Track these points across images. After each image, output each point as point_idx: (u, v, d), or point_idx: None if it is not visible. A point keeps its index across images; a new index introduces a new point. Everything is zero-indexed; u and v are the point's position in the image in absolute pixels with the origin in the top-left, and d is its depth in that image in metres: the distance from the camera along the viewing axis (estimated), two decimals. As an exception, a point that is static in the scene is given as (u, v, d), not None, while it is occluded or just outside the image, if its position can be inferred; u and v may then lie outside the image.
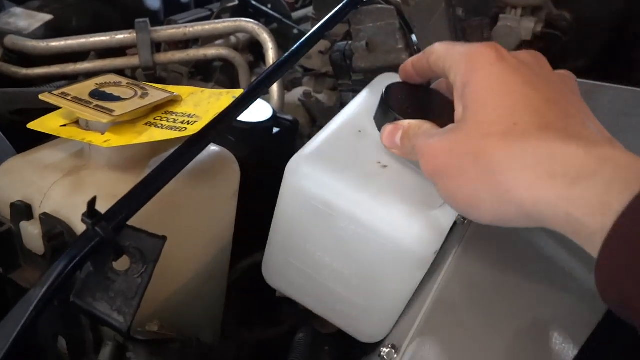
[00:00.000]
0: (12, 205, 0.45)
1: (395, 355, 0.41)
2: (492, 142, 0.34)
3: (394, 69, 0.79)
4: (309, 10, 1.35)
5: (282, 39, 1.07)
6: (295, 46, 0.57)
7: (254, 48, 1.14)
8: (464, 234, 0.53)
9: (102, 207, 0.38)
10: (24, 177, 0.47)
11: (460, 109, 0.39)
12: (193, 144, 0.43)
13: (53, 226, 0.43)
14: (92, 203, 0.35)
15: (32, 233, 0.44)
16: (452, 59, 0.40)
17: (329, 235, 0.49)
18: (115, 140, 0.44)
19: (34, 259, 0.47)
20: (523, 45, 1.08)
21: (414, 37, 0.79)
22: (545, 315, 0.43)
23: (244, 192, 0.59)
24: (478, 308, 0.44)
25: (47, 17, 0.93)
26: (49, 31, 0.90)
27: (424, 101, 0.52)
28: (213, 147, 0.55)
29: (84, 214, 0.36)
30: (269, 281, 0.60)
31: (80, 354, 0.48)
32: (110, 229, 0.37)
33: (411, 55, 0.78)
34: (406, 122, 0.44)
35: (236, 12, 1.13)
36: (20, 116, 0.80)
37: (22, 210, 0.45)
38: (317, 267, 0.52)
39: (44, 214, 0.43)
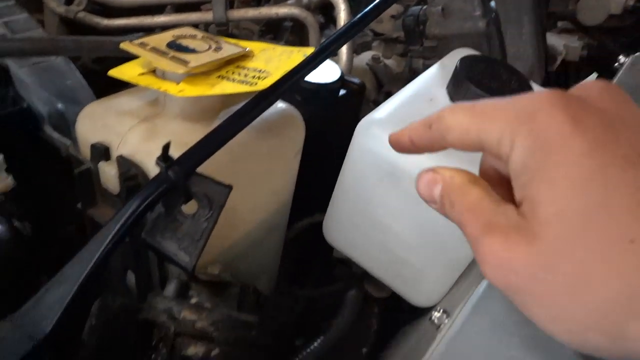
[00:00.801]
0: (92, 146, 0.48)
1: (447, 320, 0.42)
2: (599, 269, 0.24)
3: (470, 37, 0.77)
4: (383, -27, 1.31)
5: (353, 1, 1.06)
6: (369, 8, 0.56)
7: (325, 10, 1.14)
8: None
9: (173, 154, 0.40)
10: (103, 121, 0.50)
11: (528, 204, 0.26)
12: (263, 99, 0.45)
13: (128, 168, 0.45)
14: (166, 148, 0.37)
15: (109, 173, 0.47)
16: (494, 127, 0.27)
17: (394, 197, 0.49)
18: (189, 90, 0.46)
19: (109, 197, 0.50)
20: (611, 19, 1.01)
21: (492, 4, 0.76)
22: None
23: (307, 152, 0.60)
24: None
25: (130, -30, 0.96)
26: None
27: (500, 76, 0.51)
28: (281, 104, 0.56)
29: (158, 158, 0.38)
30: (329, 239, 0.62)
31: (146, 288, 0.51)
32: (182, 174, 0.38)
33: (488, 24, 0.75)
34: (447, 174, 0.32)
35: (310, -28, 1.12)
36: (100, 64, 0.85)
37: (101, 152, 0.48)
38: (379, 228, 0.53)
39: (121, 156, 0.46)
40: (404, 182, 0.47)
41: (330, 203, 0.59)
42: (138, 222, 0.38)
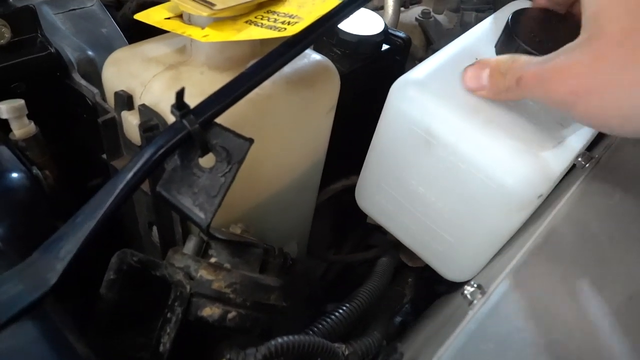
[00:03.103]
0: (116, 94, 0.46)
1: (480, 296, 0.38)
2: None
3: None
4: None
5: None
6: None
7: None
8: (583, 178, 0.46)
9: (196, 103, 0.37)
10: (129, 67, 0.48)
11: (591, 23, 0.33)
12: (291, 46, 0.41)
13: (149, 118, 0.43)
14: (180, 94, 0.34)
15: (131, 123, 0.45)
16: None
17: (427, 165, 0.45)
18: (214, 35, 0.43)
19: (134, 148, 0.48)
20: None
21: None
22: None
23: (344, 109, 0.57)
24: (587, 263, 0.39)
25: None
26: None
27: (556, 30, 0.45)
28: (315, 56, 0.52)
29: (172, 105, 0.35)
30: (361, 205, 0.58)
31: (169, 244, 0.50)
32: (198, 124, 0.36)
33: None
34: (493, 59, 0.40)
35: None
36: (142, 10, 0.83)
37: (124, 100, 0.46)
38: (411, 197, 0.49)
39: (143, 105, 0.44)
40: (439, 149, 0.43)
41: (363, 167, 0.55)
42: (152, 172, 0.36)
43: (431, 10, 0.92)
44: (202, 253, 0.44)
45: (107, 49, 0.62)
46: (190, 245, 0.44)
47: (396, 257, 0.66)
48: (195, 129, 0.35)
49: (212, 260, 0.43)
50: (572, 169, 0.47)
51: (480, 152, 0.41)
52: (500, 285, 0.37)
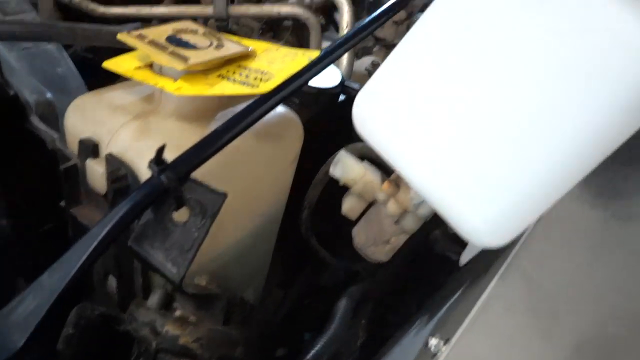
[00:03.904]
0: (81, 141, 0.46)
1: (444, 347, 0.40)
2: None
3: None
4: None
5: (355, 5, 1.04)
6: (377, 12, 0.54)
7: (327, 11, 1.11)
8: (529, 230, 0.50)
9: (166, 155, 0.37)
10: (95, 115, 0.47)
11: None
12: (264, 102, 0.42)
13: (117, 168, 0.43)
14: (161, 151, 0.35)
15: (96, 171, 0.45)
16: None
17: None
18: (187, 89, 0.43)
19: (95, 197, 0.47)
20: None
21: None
22: (614, 331, 0.40)
23: (303, 158, 0.58)
24: (538, 314, 0.42)
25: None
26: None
27: None
28: (280, 108, 0.54)
29: (151, 161, 0.35)
30: (359, 125, 0.43)
31: (128, 296, 0.48)
32: (175, 180, 0.36)
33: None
34: None
35: (314, -28, 1.10)
36: (93, 53, 0.82)
37: (90, 148, 0.45)
38: (448, 108, 0.36)
39: (110, 154, 0.43)
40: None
41: (378, 72, 0.41)
42: (125, 229, 0.36)
43: (380, 61, 0.97)
44: (166, 306, 0.43)
45: (64, 90, 0.61)
46: (154, 299, 0.43)
47: (353, 299, 0.67)
48: (173, 184, 0.36)
49: (177, 313, 0.43)
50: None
51: None
52: (462, 338, 0.38)
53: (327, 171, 0.66)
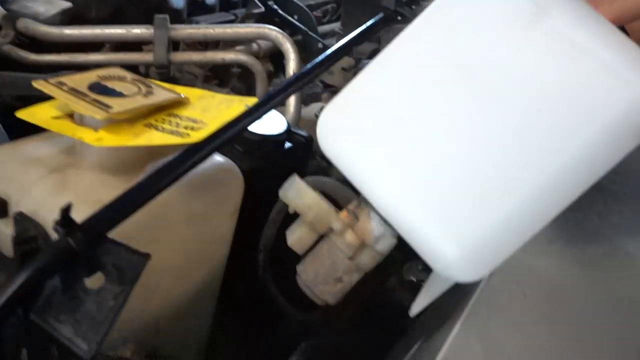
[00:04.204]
0: (-13, 199, 0.41)
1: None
2: None
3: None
4: (335, 25, 1.31)
5: (306, 52, 1.04)
6: (320, 58, 0.52)
7: (275, 58, 1.11)
8: (484, 283, 0.47)
9: (85, 212, 0.33)
10: (5, 169, 0.43)
11: None
12: (194, 153, 0.39)
13: (26, 228, 0.38)
14: (66, 210, 0.31)
15: (3, 232, 0.40)
16: None
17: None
18: (109, 139, 0.39)
19: (4, 261, 0.42)
20: None
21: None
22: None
23: (247, 210, 0.54)
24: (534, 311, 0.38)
25: (66, 4, 0.89)
26: (66, 19, 0.87)
27: None
28: (218, 158, 0.50)
29: (56, 222, 0.31)
30: (325, 146, 0.39)
31: (42, 374, 0.43)
32: (86, 242, 0.32)
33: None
34: None
35: (261, 20, 1.09)
36: (23, 102, 0.77)
37: (-3, 206, 0.40)
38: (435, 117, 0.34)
39: (20, 213, 0.39)
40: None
41: (347, 86, 0.39)
42: (29, 297, 0.31)
43: (330, 107, 0.96)
44: (83, 384, 0.38)
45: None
46: (68, 376, 0.37)
47: (306, 352, 0.62)
48: (83, 247, 0.31)
49: (96, 392, 0.37)
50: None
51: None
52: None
53: (281, 209, 0.62)
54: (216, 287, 0.57)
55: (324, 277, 0.39)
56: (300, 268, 0.41)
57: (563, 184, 0.32)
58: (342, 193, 0.42)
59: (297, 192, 0.39)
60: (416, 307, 0.48)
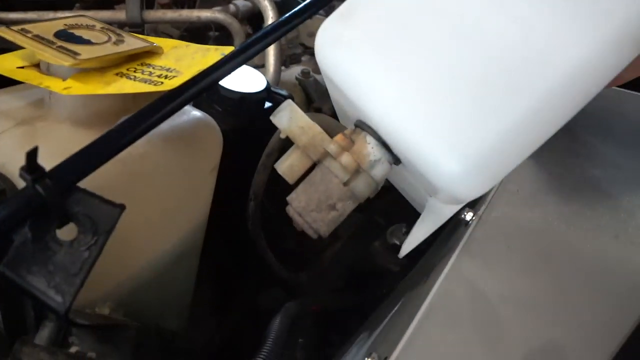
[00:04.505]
0: (-49, 153, 0.39)
1: (382, 368, 0.36)
2: None
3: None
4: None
5: (283, 12, 1.01)
6: (298, 8, 0.50)
7: (254, 20, 1.08)
8: (467, 236, 0.47)
9: (54, 165, 0.31)
10: (-31, 123, 0.41)
11: None
12: (169, 101, 0.37)
13: (-6, 182, 0.36)
14: (32, 154, 0.29)
15: (-30, 188, 0.38)
16: None
17: None
18: (78, 88, 0.38)
19: (-28, 218, 0.40)
20: None
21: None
22: (561, 338, 0.37)
23: (226, 169, 0.53)
24: (482, 325, 0.39)
25: (34, -39, 0.85)
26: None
27: None
28: (195, 112, 0.49)
29: (22, 168, 0.29)
30: (321, 55, 0.38)
31: (17, 332, 0.41)
32: (56, 190, 0.30)
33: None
34: None
35: (239, -19, 1.06)
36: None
37: (-38, 161, 0.38)
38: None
39: (-14, 166, 0.37)
40: None
41: None
42: (-4, 250, 0.29)
43: (311, 70, 0.94)
44: (60, 341, 0.37)
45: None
46: (44, 334, 0.36)
47: (287, 314, 0.62)
48: (52, 196, 0.30)
49: (73, 349, 0.36)
50: (456, 226, 0.48)
51: None
52: (401, 356, 0.35)
53: (270, 152, 0.60)
54: (197, 249, 0.56)
55: (317, 203, 0.38)
56: (291, 197, 0.39)
57: (569, 90, 0.31)
58: (335, 127, 0.40)
59: (291, 115, 0.38)
60: (406, 247, 0.47)
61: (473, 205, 0.49)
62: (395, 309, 0.49)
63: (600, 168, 0.50)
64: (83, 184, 0.32)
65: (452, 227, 0.51)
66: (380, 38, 0.35)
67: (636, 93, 0.61)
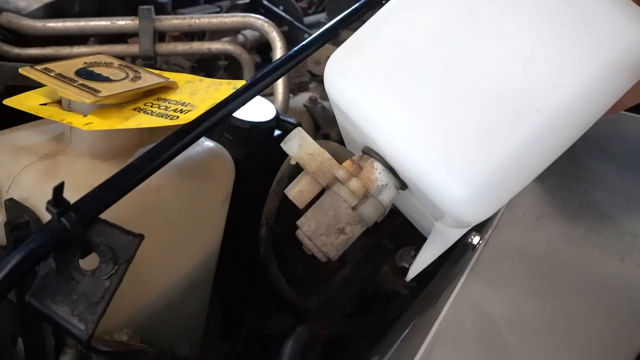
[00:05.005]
0: (-23, 187, 0.41)
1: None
2: None
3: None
4: (321, 16, 1.31)
5: (292, 43, 1.04)
6: (306, 41, 0.52)
7: (262, 50, 1.10)
8: (475, 259, 0.48)
9: (76, 199, 0.33)
10: (-6, 157, 0.42)
11: None
12: (184, 134, 0.39)
13: (18, 214, 0.38)
14: (59, 189, 0.31)
15: (-5, 220, 0.40)
16: None
17: None
18: (98, 123, 0.39)
19: (-4, 250, 0.42)
20: None
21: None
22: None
23: (238, 196, 0.55)
24: (489, 349, 0.39)
25: (48, -2, 0.88)
26: (50, 12, 0.86)
27: None
28: (208, 143, 0.50)
29: (49, 202, 0.31)
30: (330, 85, 0.40)
31: (38, 359, 0.42)
32: (79, 222, 0.32)
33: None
34: None
35: (246, 11, 1.09)
36: (9, 94, 0.76)
37: (-13, 194, 0.40)
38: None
39: (10, 199, 0.39)
40: None
41: (363, 26, 0.40)
42: (21, 281, 0.31)
43: (318, 97, 0.96)
44: (80, 368, 0.38)
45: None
46: (65, 361, 0.38)
47: (302, 334, 0.63)
48: (76, 228, 0.31)
49: (93, 376, 0.37)
50: (464, 250, 0.49)
51: None
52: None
53: (281, 178, 0.62)
54: (210, 276, 0.57)
55: (327, 227, 0.39)
56: (301, 221, 0.40)
57: (569, 117, 0.33)
58: (343, 154, 0.42)
59: (301, 142, 0.39)
60: (413, 270, 0.48)
61: (480, 228, 0.50)
62: (405, 333, 0.50)
63: (603, 191, 0.51)
64: (103, 214, 0.34)
65: (460, 251, 0.51)
66: (385, 69, 0.37)
67: (636, 115, 0.62)
